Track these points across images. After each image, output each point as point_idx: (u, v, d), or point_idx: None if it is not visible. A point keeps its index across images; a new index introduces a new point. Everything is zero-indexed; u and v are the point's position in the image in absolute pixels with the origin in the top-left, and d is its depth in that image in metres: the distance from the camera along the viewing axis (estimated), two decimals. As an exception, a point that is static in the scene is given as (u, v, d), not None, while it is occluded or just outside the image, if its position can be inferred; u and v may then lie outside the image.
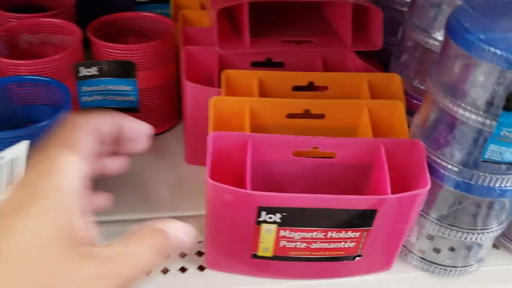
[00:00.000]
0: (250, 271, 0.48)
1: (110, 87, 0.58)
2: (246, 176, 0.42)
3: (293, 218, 0.43)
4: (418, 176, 0.44)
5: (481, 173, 0.42)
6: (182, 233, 0.32)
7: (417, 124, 0.47)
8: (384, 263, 0.49)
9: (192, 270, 0.49)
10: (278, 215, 0.43)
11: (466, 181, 0.43)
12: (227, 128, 0.48)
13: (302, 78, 0.53)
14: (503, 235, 0.53)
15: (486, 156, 0.41)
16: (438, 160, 0.44)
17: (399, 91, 0.52)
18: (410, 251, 0.50)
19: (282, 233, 0.44)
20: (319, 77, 0.53)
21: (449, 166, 0.43)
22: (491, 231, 0.47)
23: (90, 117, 0.33)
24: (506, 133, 0.39)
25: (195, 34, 0.57)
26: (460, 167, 0.43)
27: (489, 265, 0.52)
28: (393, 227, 0.45)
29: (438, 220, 0.47)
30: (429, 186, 0.43)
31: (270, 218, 0.43)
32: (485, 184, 0.42)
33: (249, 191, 0.41)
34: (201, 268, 0.49)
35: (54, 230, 0.27)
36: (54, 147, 0.30)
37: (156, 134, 0.62)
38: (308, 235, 0.44)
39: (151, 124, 0.36)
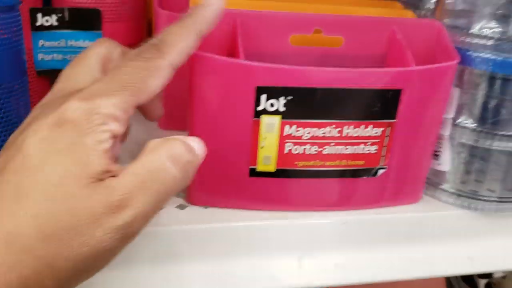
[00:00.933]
0: (246, 201, 0.38)
1: (72, 42, 0.51)
2: (238, 47, 0.34)
3: (301, 104, 0.34)
4: (441, 57, 0.37)
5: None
6: (194, 143, 0.28)
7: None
8: (411, 190, 0.40)
9: (170, 208, 0.38)
10: (282, 100, 0.34)
11: (505, 56, 0.35)
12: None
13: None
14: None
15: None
16: (467, 39, 0.37)
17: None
18: (442, 185, 0.41)
19: (287, 130, 0.35)
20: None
21: (481, 41, 0.36)
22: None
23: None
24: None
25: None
26: (497, 36, 0.35)
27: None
28: (421, 123, 0.37)
29: (476, 125, 0.38)
30: (458, 59, 0.35)
31: (272, 105, 0.34)
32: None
33: (243, 61, 0.33)
34: (182, 206, 0.38)
35: (73, 167, 0.25)
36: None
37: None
38: (319, 132, 0.35)
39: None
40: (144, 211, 0.25)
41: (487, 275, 0.65)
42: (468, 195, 0.40)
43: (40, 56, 0.50)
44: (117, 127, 0.26)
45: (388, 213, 0.39)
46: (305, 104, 0.34)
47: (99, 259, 0.25)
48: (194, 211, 0.38)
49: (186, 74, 0.33)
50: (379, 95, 0.34)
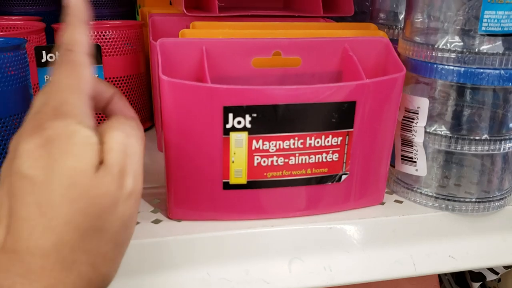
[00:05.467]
0: (220, 212, 0.41)
1: (75, 75, 0.56)
2: (205, 72, 0.38)
3: (265, 120, 0.38)
4: (390, 69, 0.41)
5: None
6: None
7: (404, 38, 0.44)
8: (374, 192, 0.43)
9: (145, 223, 0.41)
10: (248, 118, 0.38)
11: (467, 66, 0.39)
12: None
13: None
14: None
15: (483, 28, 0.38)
16: (434, 53, 0.40)
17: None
18: (422, 190, 0.44)
19: (255, 144, 0.38)
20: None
21: (446, 55, 0.39)
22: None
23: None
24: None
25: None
26: (460, 49, 0.39)
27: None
28: (376, 130, 0.40)
29: (448, 132, 0.41)
30: (404, 71, 0.39)
31: (239, 123, 0.38)
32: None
33: (210, 84, 0.37)
34: (156, 221, 0.41)
35: (76, 164, 0.28)
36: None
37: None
38: (284, 144, 0.39)
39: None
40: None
41: (480, 278, 0.66)
42: (447, 198, 0.43)
43: (46, 90, 0.55)
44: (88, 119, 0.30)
45: (371, 217, 0.42)
46: (269, 120, 0.38)
47: (129, 227, 0.30)
48: (173, 224, 0.41)
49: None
50: (336, 107, 0.38)
